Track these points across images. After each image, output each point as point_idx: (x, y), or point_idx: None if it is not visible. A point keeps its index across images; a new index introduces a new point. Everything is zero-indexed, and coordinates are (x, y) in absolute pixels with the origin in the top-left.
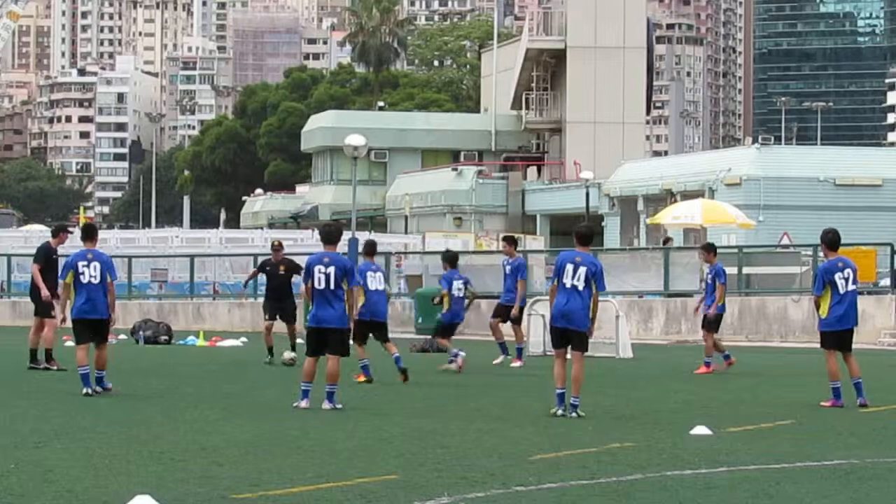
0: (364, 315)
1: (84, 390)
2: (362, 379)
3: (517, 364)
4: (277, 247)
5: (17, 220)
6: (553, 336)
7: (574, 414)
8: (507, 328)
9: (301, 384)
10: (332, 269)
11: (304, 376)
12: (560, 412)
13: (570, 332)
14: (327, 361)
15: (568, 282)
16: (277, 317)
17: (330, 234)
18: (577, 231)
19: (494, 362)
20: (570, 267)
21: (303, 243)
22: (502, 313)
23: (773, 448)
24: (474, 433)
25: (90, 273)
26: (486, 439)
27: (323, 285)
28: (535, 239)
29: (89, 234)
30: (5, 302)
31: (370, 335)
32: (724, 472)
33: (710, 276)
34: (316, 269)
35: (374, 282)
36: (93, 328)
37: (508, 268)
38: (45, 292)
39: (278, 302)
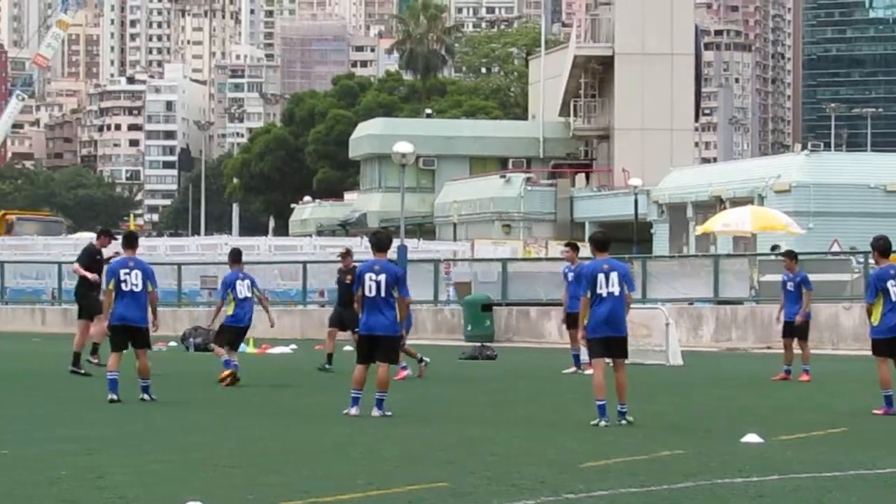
0: (233, 322)
1: (109, 396)
2: (227, 374)
3: (575, 370)
4: (345, 253)
5: (65, 227)
6: (595, 346)
7: (624, 421)
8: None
9: (351, 391)
10: (382, 277)
11: (354, 383)
12: (604, 423)
13: (614, 339)
14: (377, 369)
15: (604, 291)
16: (341, 325)
17: (380, 242)
18: (595, 239)
19: (566, 372)
20: (601, 276)
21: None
22: (575, 321)
23: (825, 456)
24: (524, 440)
25: (131, 281)
26: (536, 446)
27: (374, 293)
28: (583, 246)
29: (130, 242)
30: (56, 309)
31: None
32: (776, 479)
33: (792, 283)
34: (367, 276)
35: (244, 289)
36: (129, 335)
37: (571, 275)
38: (93, 276)
39: (343, 309)
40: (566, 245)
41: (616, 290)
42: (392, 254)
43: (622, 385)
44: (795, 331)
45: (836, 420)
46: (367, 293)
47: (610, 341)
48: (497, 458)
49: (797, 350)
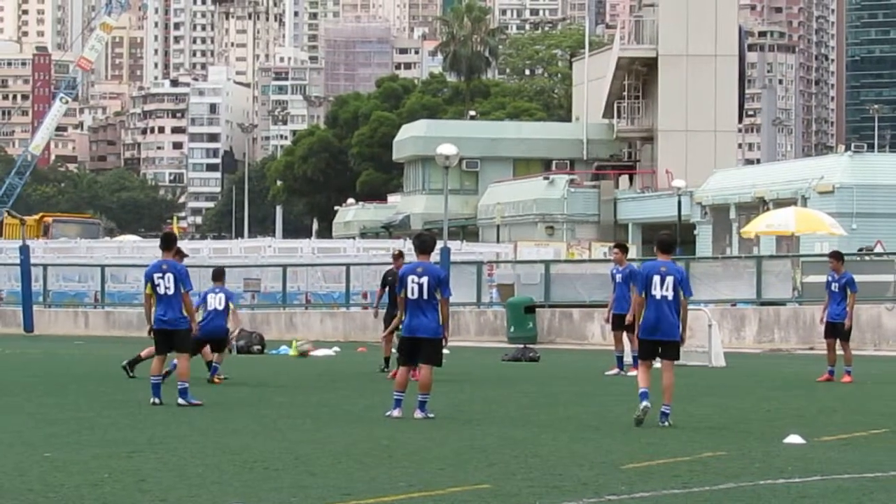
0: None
1: (152, 399)
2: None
3: (635, 372)
4: (398, 255)
5: (102, 229)
6: (644, 347)
7: (666, 422)
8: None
9: (393, 393)
10: (425, 279)
11: (397, 386)
12: (645, 404)
13: (662, 343)
14: (420, 370)
15: (657, 293)
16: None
17: (423, 244)
18: (660, 240)
19: (608, 373)
20: (657, 278)
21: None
22: (620, 323)
23: (867, 457)
24: (566, 442)
25: (165, 284)
26: (578, 448)
27: (416, 295)
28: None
29: (166, 244)
30: (99, 312)
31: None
32: (818, 480)
33: (837, 284)
34: (409, 279)
35: (214, 301)
36: (168, 339)
37: (619, 276)
38: None
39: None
40: (615, 247)
41: (670, 293)
42: (435, 256)
43: (668, 386)
44: (838, 332)
45: (878, 421)
46: (409, 295)
47: (660, 344)
48: (539, 460)
49: (839, 351)
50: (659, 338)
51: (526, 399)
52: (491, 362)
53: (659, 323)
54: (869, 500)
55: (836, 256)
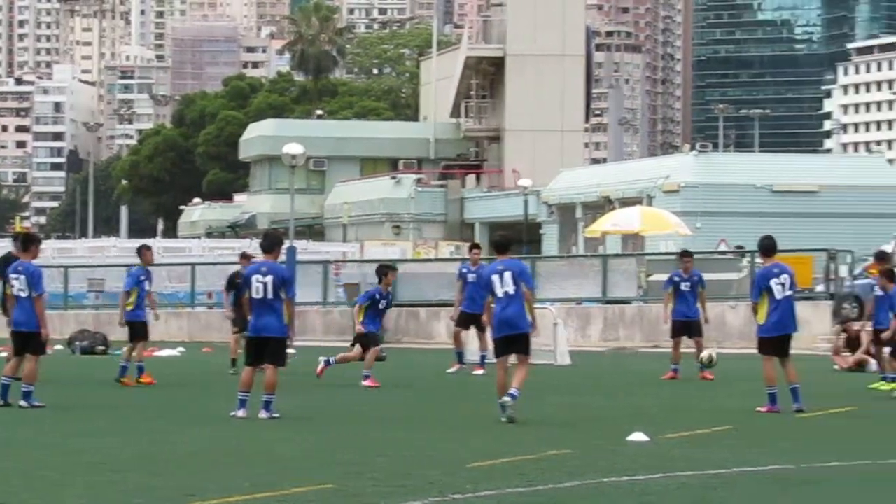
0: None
1: None
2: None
3: (480, 371)
4: (248, 255)
5: None
6: (497, 346)
7: (511, 402)
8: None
9: (238, 394)
10: (269, 279)
11: (242, 386)
12: (508, 415)
13: (514, 337)
14: (265, 371)
15: (500, 291)
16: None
17: (268, 244)
18: (494, 241)
19: (449, 371)
20: (496, 277)
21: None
22: (466, 322)
23: (710, 454)
24: (413, 441)
25: (19, 286)
26: (425, 447)
27: (261, 294)
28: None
29: (22, 244)
30: None
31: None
32: (661, 478)
33: (688, 283)
34: (254, 278)
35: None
36: (22, 341)
37: (472, 276)
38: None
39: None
40: (473, 246)
41: (510, 289)
42: (282, 256)
43: (519, 376)
44: (693, 330)
45: (721, 418)
46: (254, 295)
47: (509, 339)
48: (386, 459)
49: (686, 349)
50: (508, 332)
51: (372, 399)
52: None
53: (506, 319)
54: (711, 496)
55: (689, 255)
